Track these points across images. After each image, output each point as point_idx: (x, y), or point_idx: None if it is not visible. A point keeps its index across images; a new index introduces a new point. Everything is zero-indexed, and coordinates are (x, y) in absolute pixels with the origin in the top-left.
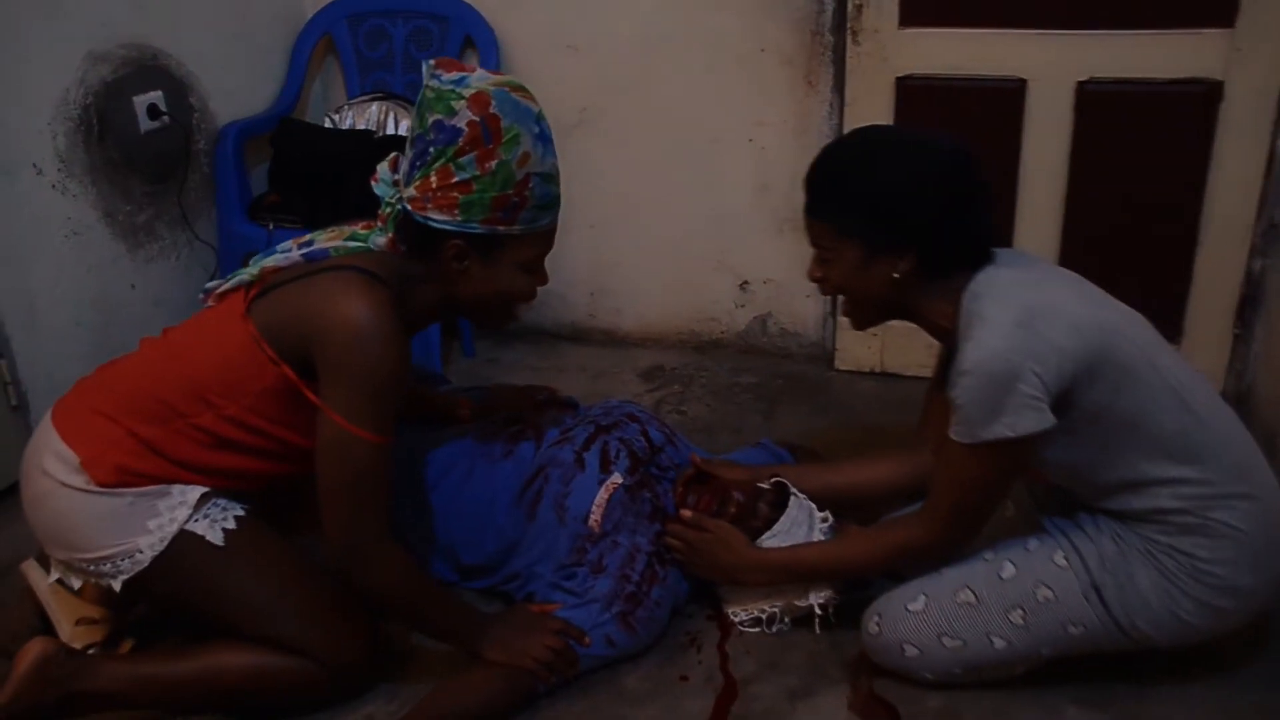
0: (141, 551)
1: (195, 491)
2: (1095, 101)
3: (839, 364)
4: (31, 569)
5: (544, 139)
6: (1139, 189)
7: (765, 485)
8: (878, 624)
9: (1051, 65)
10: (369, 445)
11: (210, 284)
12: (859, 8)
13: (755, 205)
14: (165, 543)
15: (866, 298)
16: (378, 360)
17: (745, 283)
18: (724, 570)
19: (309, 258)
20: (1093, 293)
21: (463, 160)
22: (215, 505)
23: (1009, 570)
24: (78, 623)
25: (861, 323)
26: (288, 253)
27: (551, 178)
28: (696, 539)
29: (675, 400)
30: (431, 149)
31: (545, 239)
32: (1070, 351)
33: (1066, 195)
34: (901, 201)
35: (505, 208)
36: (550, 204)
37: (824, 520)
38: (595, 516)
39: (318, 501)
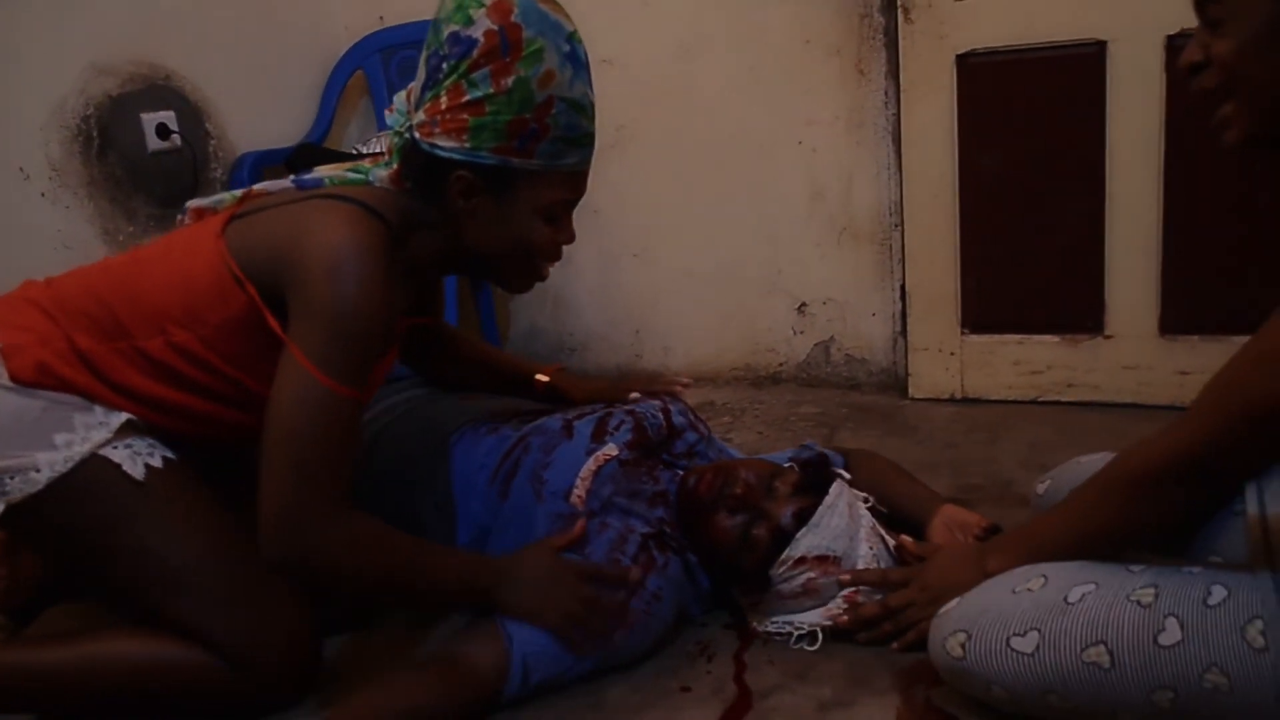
0: (39, 469)
1: (122, 417)
2: None
3: (914, 391)
4: None
5: (575, 61)
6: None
7: (786, 465)
8: (962, 648)
9: (1134, 20)
10: (331, 395)
11: (192, 201)
12: None
13: (809, 215)
14: (70, 465)
15: (1274, 92)
16: (355, 297)
17: (803, 305)
18: (968, 586)
19: (301, 185)
20: None
21: (476, 76)
22: (144, 441)
23: (1172, 634)
24: None
25: (1253, 134)
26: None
27: (581, 108)
28: (923, 575)
29: (722, 431)
30: (445, 65)
31: (571, 183)
32: None
33: (1165, 170)
34: None
35: (522, 135)
36: (578, 140)
37: (865, 501)
38: (579, 492)
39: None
